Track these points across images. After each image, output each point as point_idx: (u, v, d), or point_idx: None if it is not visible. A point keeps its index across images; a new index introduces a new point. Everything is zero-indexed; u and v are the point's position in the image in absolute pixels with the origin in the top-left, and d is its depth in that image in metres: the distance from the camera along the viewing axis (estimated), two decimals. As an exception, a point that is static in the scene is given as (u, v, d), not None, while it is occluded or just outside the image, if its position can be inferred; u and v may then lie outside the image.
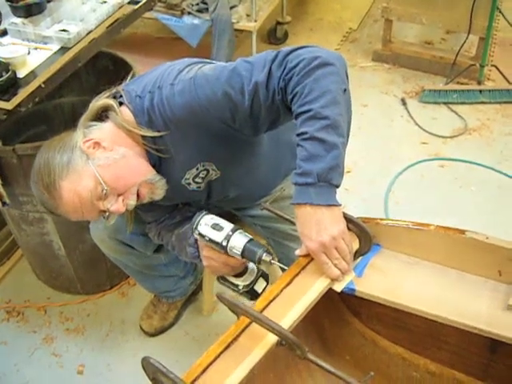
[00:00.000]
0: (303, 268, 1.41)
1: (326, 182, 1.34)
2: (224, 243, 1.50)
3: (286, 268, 1.44)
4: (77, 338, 2.46)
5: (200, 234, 1.55)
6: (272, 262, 1.47)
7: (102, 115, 1.59)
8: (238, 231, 1.51)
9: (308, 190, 1.34)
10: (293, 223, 1.51)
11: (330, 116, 1.34)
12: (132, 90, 1.56)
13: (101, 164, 1.51)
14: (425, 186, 3.10)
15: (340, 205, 1.38)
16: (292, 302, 1.33)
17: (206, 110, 1.47)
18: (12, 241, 2.70)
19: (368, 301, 1.42)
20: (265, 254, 1.47)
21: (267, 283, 1.62)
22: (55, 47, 2.04)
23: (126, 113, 1.55)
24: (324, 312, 1.64)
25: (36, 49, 2.04)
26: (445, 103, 3.65)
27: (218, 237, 1.51)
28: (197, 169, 1.62)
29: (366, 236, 1.42)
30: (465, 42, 3.65)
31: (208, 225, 1.53)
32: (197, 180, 1.66)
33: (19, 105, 1.84)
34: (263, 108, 1.44)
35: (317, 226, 1.35)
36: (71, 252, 2.40)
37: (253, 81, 1.42)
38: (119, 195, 1.54)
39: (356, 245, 1.45)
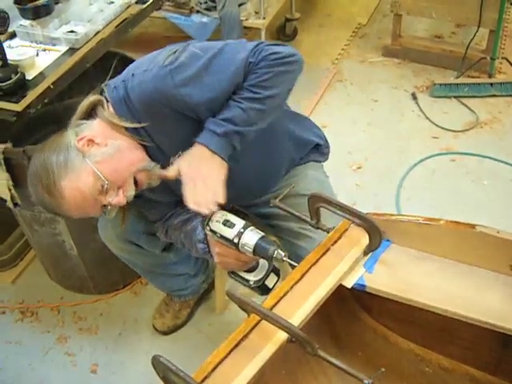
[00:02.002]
0: (313, 265, 1.41)
1: (229, 140, 1.56)
2: (236, 240, 1.51)
3: (296, 265, 1.43)
4: (90, 338, 2.47)
5: (211, 231, 1.56)
6: (284, 259, 1.48)
7: (91, 113, 1.61)
8: (250, 228, 1.52)
9: (213, 137, 1.54)
10: (304, 220, 1.52)
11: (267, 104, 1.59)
12: (112, 83, 1.60)
13: (98, 160, 1.53)
14: (436, 180, 3.08)
15: (226, 164, 1.57)
16: (302, 298, 1.33)
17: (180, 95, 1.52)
18: (25, 242, 2.72)
19: (379, 296, 1.42)
20: (277, 252, 1.47)
21: (278, 278, 1.62)
22: (63, 48, 2.05)
23: (110, 106, 1.59)
24: (335, 308, 1.63)
25: (44, 50, 2.05)
26: (455, 97, 3.62)
27: (230, 234, 1.52)
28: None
29: (375, 231, 1.42)
30: (475, 35, 3.62)
31: (219, 221, 1.54)
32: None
33: (28, 106, 1.85)
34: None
35: (200, 160, 1.54)
36: (83, 251, 2.41)
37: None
38: (119, 188, 1.56)
39: (366, 240, 1.45)
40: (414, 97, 3.62)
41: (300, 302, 1.32)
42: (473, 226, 1.42)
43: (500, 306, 1.34)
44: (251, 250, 1.50)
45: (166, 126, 1.58)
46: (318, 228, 1.52)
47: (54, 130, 2.45)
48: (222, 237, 1.54)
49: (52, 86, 1.92)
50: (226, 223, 1.53)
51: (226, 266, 1.65)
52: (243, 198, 1.92)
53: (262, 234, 1.52)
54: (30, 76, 1.91)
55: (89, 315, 2.56)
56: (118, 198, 1.56)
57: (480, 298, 1.37)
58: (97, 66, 2.27)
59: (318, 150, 2.02)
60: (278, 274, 1.62)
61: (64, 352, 2.43)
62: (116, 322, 2.52)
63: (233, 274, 1.67)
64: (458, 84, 3.64)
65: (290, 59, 1.59)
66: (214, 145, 1.55)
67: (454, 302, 1.36)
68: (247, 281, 1.63)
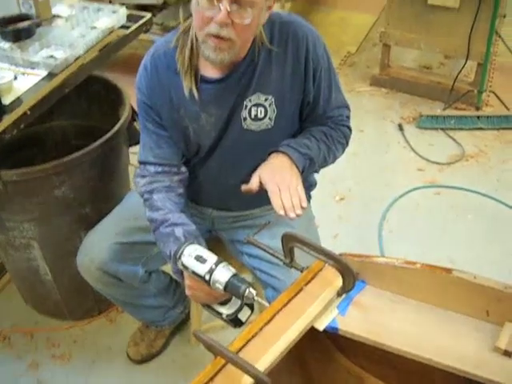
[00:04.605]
0: (285, 305, 1.38)
1: (304, 160, 1.73)
2: (207, 277, 1.48)
3: (267, 305, 1.41)
4: (63, 365, 2.42)
5: (183, 265, 1.54)
6: (255, 298, 1.45)
7: None
8: (222, 264, 1.49)
9: (295, 152, 1.71)
10: (278, 258, 1.51)
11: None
12: None
13: None
14: (420, 213, 3.07)
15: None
16: (271, 341, 1.29)
17: None
18: (0, 265, 2.67)
19: (353, 337, 1.39)
20: (248, 290, 1.44)
21: (252, 312, 1.60)
22: (43, 73, 2.02)
23: None
24: (308, 348, 1.60)
25: (24, 74, 2.02)
26: (442, 129, 3.63)
27: (201, 269, 1.49)
28: (265, 99, 1.72)
29: (349, 273, 1.39)
30: (463, 67, 3.64)
31: (192, 256, 1.52)
32: (253, 113, 1.74)
33: (4, 132, 1.81)
34: None
35: (282, 168, 1.67)
36: (58, 277, 2.37)
37: None
38: None
39: (340, 281, 1.42)
40: (400, 128, 3.62)
41: (269, 344, 1.29)
42: (449, 271, 1.40)
43: (475, 352, 1.32)
44: (222, 288, 1.47)
45: None
46: (291, 267, 1.50)
47: (35, 152, 2.46)
48: (194, 272, 1.51)
49: (29, 112, 1.88)
50: (199, 259, 1.51)
51: (196, 299, 1.66)
52: (229, 200, 1.92)
53: (234, 271, 1.49)
54: (6, 101, 1.88)
55: (62, 342, 2.51)
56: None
57: (455, 344, 1.34)
58: (79, 89, 2.24)
59: (310, 188, 2.04)
60: (251, 308, 1.60)
61: (35, 379, 2.37)
62: (90, 350, 2.47)
63: (206, 305, 1.66)
64: (444, 116, 3.66)
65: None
66: (296, 158, 1.69)
67: (428, 348, 1.33)
68: (220, 314, 1.62)
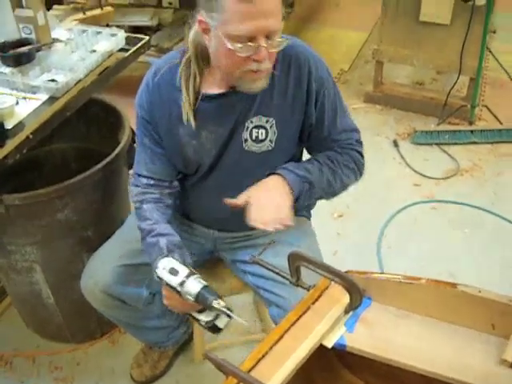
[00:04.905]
0: (293, 324, 1.39)
1: (302, 184, 1.73)
2: (178, 288, 1.60)
3: (233, 316, 1.55)
4: (66, 389, 2.41)
5: (158, 277, 1.66)
6: (222, 309, 1.56)
7: None
8: (193, 277, 1.61)
9: (290, 174, 1.72)
10: (284, 277, 1.52)
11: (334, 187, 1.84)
12: None
13: None
14: (418, 228, 3.08)
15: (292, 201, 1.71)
16: (282, 360, 1.31)
17: None
18: (0, 288, 2.66)
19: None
20: (216, 302, 1.55)
21: (230, 319, 1.63)
22: (44, 97, 2.03)
23: None
24: (315, 364, 1.60)
25: (24, 98, 2.03)
26: (437, 144, 3.66)
27: (174, 281, 1.61)
28: (267, 121, 1.74)
29: (356, 291, 1.40)
30: (456, 82, 3.67)
31: (165, 269, 1.64)
32: (254, 134, 1.75)
33: (6, 157, 1.82)
34: None
35: (274, 186, 1.70)
36: (60, 301, 2.37)
37: None
38: None
39: (347, 299, 1.43)
40: (395, 144, 3.65)
41: (279, 363, 1.30)
42: (454, 286, 1.42)
43: (481, 365, 1.33)
44: (193, 299, 1.58)
45: None
46: (298, 286, 1.51)
47: (35, 176, 2.47)
48: (167, 284, 1.63)
49: (31, 136, 1.90)
50: (172, 271, 1.62)
51: (173, 308, 1.75)
52: (230, 220, 1.91)
53: (205, 283, 1.60)
54: (9, 125, 1.89)
55: (65, 365, 2.50)
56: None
57: (461, 358, 1.35)
58: (78, 112, 2.25)
59: (310, 206, 2.08)
60: (229, 316, 1.62)
61: (38, 404, 2.37)
62: (93, 372, 2.46)
63: (187, 313, 1.73)
64: (438, 131, 3.68)
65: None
66: (291, 180, 1.71)
67: (434, 362, 1.35)
68: (198, 320, 1.69)
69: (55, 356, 2.53)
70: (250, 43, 1.52)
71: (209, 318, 1.66)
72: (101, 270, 1.96)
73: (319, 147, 1.84)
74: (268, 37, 1.53)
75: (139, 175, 1.87)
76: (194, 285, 1.59)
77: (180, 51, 1.75)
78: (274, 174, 1.73)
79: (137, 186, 1.87)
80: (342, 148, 1.83)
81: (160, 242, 1.73)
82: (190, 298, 1.59)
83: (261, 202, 1.65)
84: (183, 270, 1.62)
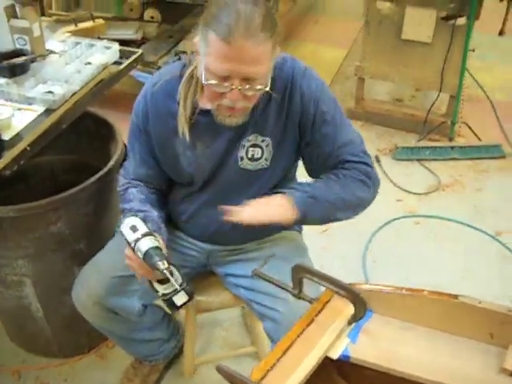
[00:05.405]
0: (298, 336, 1.40)
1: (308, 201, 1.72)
2: (133, 244, 1.63)
3: (171, 280, 1.57)
4: (53, 405, 2.38)
5: (121, 232, 1.69)
6: (164, 272, 1.56)
7: None
8: (149, 237, 1.63)
9: (295, 192, 1.73)
10: (286, 290, 1.53)
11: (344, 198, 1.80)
12: None
13: None
14: (401, 243, 3.12)
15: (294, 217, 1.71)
16: (290, 371, 1.32)
17: None
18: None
19: (358, 364, 1.42)
20: (160, 262, 1.57)
21: (189, 299, 1.64)
22: (40, 108, 2.02)
23: None
24: (316, 376, 1.62)
25: (20, 109, 2.02)
26: (418, 160, 3.71)
27: (130, 237, 1.65)
28: (262, 140, 1.76)
29: (360, 302, 1.42)
30: (436, 99, 3.74)
31: (128, 225, 1.67)
32: (250, 153, 1.77)
33: (4, 168, 1.81)
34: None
35: (278, 207, 1.70)
36: (50, 315, 2.34)
37: None
38: None
39: (349, 310, 1.45)
40: (377, 160, 3.68)
41: (287, 375, 1.31)
42: (455, 297, 1.45)
43: (483, 375, 1.36)
44: (141, 256, 1.61)
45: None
46: (300, 298, 1.53)
47: (22, 188, 2.44)
48: (126, 240, 1.66)
49: (29, 148, 1.89)
50: (133, 228, 1.65)
51: (132, 269, 1.72)
52: (224, 234, 1.94)
53: (157, 244, 1.62)
54: (6, 136, 1.87)
55: (52, 380, 2.46)
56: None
57: (462, 368, 1.38)
58: (68, 125, 2.25)
59: None
60: (189, 295, 1.64)
61: (24, 421, 2.33)
62: (80, 388, 2.44)
63: (148, 281, 1.72)
64: (419, 147, 3.75)
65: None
66: (297, 197, 1.71)
67: (436, 372, 1.37)
68: (156, 291, 1.68)
69: (42, 371, 2.49)
70: (224, 82, 1.54)
71: (166, 291, 1.65)
72: (93, 282, 1.95)
73: (324, 167, 1.82)
74: (246, 80, 1.55)
75: (127, 170, 1.92)
76: (146, 243, 1.61)
77: (181, 63, 1.77)
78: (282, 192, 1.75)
79: (124, 177, 1.92)
80: (347, 163, 1.79)
81: (138, 213, 1.76)
82: (139, 254, 1.61)
83: (256, 207, 1.69)
84: (143, 229, 1.65)
